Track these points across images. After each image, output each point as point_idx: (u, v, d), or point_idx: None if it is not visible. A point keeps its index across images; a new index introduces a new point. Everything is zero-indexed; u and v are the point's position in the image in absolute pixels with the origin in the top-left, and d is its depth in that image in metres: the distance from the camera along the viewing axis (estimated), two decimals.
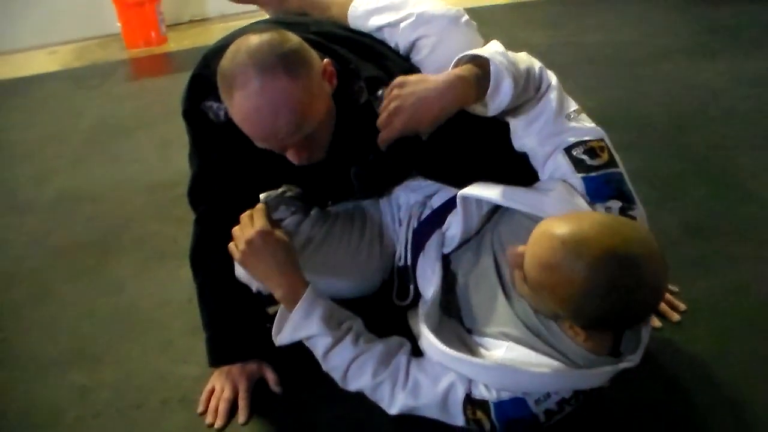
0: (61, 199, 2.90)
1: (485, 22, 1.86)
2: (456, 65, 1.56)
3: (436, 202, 1.84)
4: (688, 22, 4.30)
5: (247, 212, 1.61)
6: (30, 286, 2.33)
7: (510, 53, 1.58)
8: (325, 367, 1.60)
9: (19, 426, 1.78)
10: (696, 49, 3.85)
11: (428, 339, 1.51)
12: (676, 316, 1.86)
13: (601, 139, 1.59)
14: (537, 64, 1.62)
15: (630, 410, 1.64)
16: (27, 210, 2.84)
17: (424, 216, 1.82)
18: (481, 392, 1.44)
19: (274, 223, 1.63)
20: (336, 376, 1.59)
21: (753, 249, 2.13)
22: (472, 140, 1.68)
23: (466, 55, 1.55)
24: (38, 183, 3.06)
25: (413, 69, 1.75)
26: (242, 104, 1.43)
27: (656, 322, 1.84)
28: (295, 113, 1.43)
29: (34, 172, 3.17)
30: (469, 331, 1.57)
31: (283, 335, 1.59)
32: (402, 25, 1.79)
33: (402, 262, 1.82)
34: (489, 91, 1.50)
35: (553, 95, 1.60)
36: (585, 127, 1.60)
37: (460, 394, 1.46)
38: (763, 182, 2.50)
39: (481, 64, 1.52)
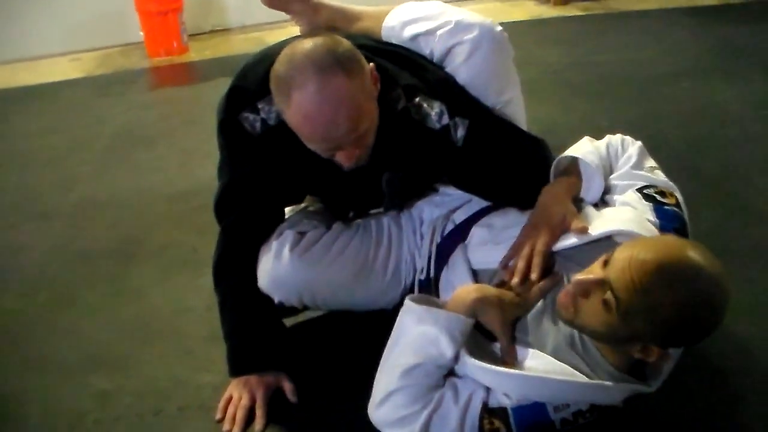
0: (84, 206, 2.93)
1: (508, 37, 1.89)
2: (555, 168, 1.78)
3: (459, 217, 1.88)
4: (705, 42, 4.30)
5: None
6: (52, 291, 2.37)
7: (595, 142, 1.81)
8: (401, 362, 1.52)
9: (40, 429, 1.82)
10: (713, 70, 3.86)
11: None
12: None
13: (669, 188, 1.70)
14: (618, 137, 1.81)
15: (639, 427, 1.66)
16: (49, 216, 2.87)
17: (447, 231, 1.86)
18: (499, 400, 1.47)
19: None
20: (397, 382, 1.51)
21: (766, 271, 2.15)
22: (506, 154, 1.72)
23: (565, 158, 1.75)
24: (61, 190, 3.09)
25: (448, 77, 1.80)
26: (301, 104, 1.46)
27: None
28: (353, 111, 1.47)
29: (56, 179, 3.20)
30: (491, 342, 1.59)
31: (437, 313, 1.53)
32: (439, 32, 1.83)
33: (424, 276, 1.85)
34: (583, 189, 1.71)
35: (633, 151, 1.77)
36: (659, 178, 1.72)
37: (477, 405, 1.47)
38: None
39: (573, 164, 1.73)
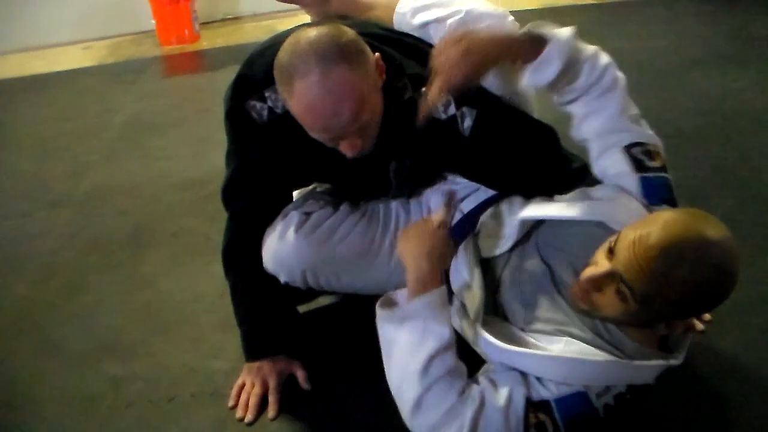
0: (95, 193, 2.95)
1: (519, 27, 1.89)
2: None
3: (467, 206, 1.87)
4: (719, 31, 4.28)
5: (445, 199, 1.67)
6: (65, 279, 2.38)
7: (579, 43, 1.64)
8: (412, 369, 1.46)
9: (54, 415, 1.83)
10: (726, 58, 3.84)
11: (486, 338, 1.52)
12: (700, 326, 1.88)
13: (656, 145, 1.64)
14: (603, 60, 1.65)
15: (652, 417, 1.66)
16: (61, 204, 2.89)
17: (455, 221, 1.85)
18: (540, 393, 1.45)
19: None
20: (420, 386, 1.45)
21: None
22: (516, 141, 1.71)
23: (531, 30, 1.61)
24: (72, 177, 3.11)
25: None
26: (304, 93, 1.45)
27: (699, 325, 1.87)
28: (356, 101, 1.46)
29: (68, 167, 3.22)
30: (521, 330, 1.57)
31: (410, 307, 1.51)
32: (450, 21, 1.82)
33: None
34: (534, 63, 1.58)
35: (618, 94, 1.65)
36: (644, 131, 1.65)
37: (520, 400, 1.44)
38: None
39: (542, 39, 1.58)
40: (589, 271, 1.38)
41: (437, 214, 1.61)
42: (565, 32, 1.60)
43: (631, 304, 1.33)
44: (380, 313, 1.54)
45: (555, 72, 1.57)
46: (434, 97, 1.55)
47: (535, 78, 1.59)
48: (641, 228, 1.33)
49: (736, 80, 3.54)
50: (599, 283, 1.36)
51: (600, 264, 1.37)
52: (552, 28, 1.61)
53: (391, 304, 1.56)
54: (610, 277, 1.34)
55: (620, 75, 1.67)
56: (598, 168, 1.67)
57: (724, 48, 4.01)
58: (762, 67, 3.68)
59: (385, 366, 1.54)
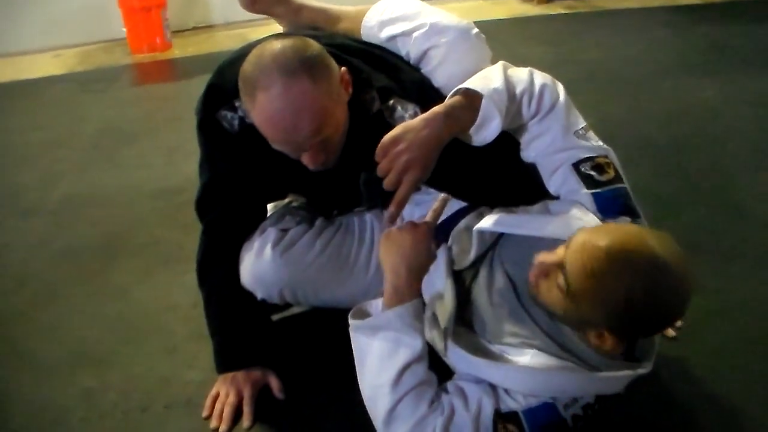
0: (67, 203, 2.92)
1: (486, 37, 1.90)
2: (452, 96, 1.59)
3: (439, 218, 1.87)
4: (688, 40, 4.34)
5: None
6: (36, 289, 2.35)
7: (512, 72, 1.63)
8: (384, 380, 1.47)
9: (25, 427, 1.80)
10: (696, 68, 3.89)
11: (456, 350, 1.52)
12: (671, 332, 1.90)
13: (606, 156, 1.63)
14: (538, 84, 1.63)
15: (625, 425, 1.68)
16: (32, 214, 2.85)
17: None
18: (508, 405, 1.45)
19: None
20: (392, 397, 1.46)
21: (749, 268, 2.17)
22: (481, 153, 1.71)
23: (462, 88, 1.58)
24: (43, 187, 3.07)
25: (424, 79, 1.79)
26: (265, 106, 1.46)
27: (671, 332, 1.89)
28: (316, 116, 1.47)
29: (38, 176, 3.18)
30: (488, 342, 1.57)
31: (383, 317, 1.51)
32: (415, 34, 1.83)
33: None
34: (475, 125, 1.54)
35: (559, 113, 1.63)
36: (592, 144, 1.64)
37: (488, 411, 1.45)
38: (761, 202, 2.54)
39: (473, 97, 1.55)
40: (542, 257, 1.42)
41: (425, 219, 1.60)
42: (496, 77, 1.59)
43: (565, 298, 1.36)
44: (353, 322, 1.55)
45: (497, 127, 1.55)
46: (394, 215, 1.54)
47: (481, 138, 1.57)
48: (597, 231, 1.38)
49: (706, 89, 3.59)
50: (547, 270, 1.40)
51: (556, 254, 1.40)
52: (481, 77, 1.60)
53: (363, 314, 1.56)
54: (557, 266, 1.37)
55: (560, 91, 1.66)
56: (552, 188, 1.67)
57: (695, 57, 4.06)
58: (732, 76, 3.73)
59: (357, 374, 1.55)
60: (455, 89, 1.59)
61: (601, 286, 1.32)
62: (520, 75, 1.64)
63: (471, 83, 1.58)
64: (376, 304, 1.56)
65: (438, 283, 1.70)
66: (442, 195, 1.62)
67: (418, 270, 1.55)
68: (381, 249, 1.59)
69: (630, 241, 1.33)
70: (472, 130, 1.55)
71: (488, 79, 1.59)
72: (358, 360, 1.55)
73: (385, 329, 1.50)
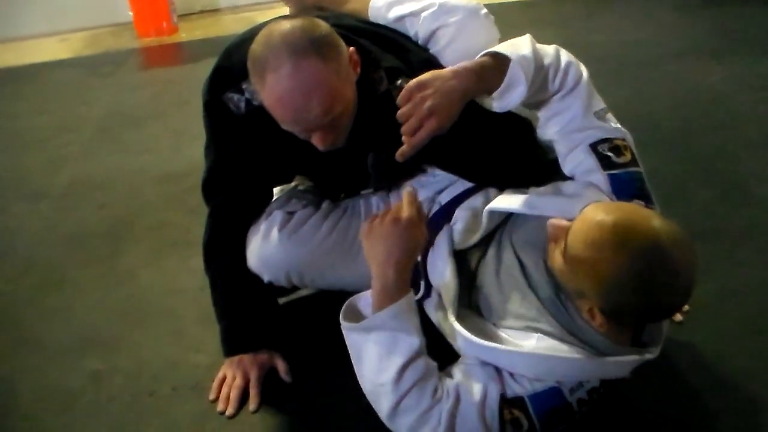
0: (73, 187, 2.93)
1: (494, 19, 1.89)
2: (481, 57, 1.58)
3: (444, 198, 1.87)
4: (696, 24, 4.30)
5: (406, 194, 1.57)
6: (44, 273, 2.37)
7: (539, 47, 1.61)
8: (384, 379, 1.46)
9: (34, 409, 1.82)
10: (703, 51, 3.86)
11: (462, 333, 1.52)
12: (678, 317, 1.89)
13: (624, 139, 1.64)
14: (564, 61, 1.63)
15: (630, 410, 1.67)
16: (39, 198, 2.87)
17: (432, 212, 1.85)
18: (514, 390, 1.46)
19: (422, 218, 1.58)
20: (395, 394, 1.46)
21: (756, 253, 2.16)
22: (491, 133, 1.71)
23: (491, 51, 1.57)
24: (50, 171, 3.09)
25: (432, 60, 1.78)
26: (275, 86, 1.45)
27: (678, 316, 1.88)
28: (326, 95, 1.46)
29: (45, 160, 3.20)
30: (494, 325, 1.58)
31: (377, 319, 1.48)
32: (424, 14, 1.81)
33: None
34: (500, 89, 1.53)
35: (582, 92, 1.63)
36: (611, 126, 1.64)
37: (494, 396, 1.45)
38: None
39: (502, 60, 1.55)
40: (556, 221, 1.44)
41: (403, 212, 1.52)
42: (524, 46, 1.58)
43: (564, 264, 1.39)
44: (345, 324, 1.53)
45: (522, 94, 1.53)
46: (406, 153, 1.50)
47: (504, 103, 1.56)
48: (607, 206, 1.40)
49: (713, 73, 3.56)
50: (557, 234, 1.42)
51: (568, 221, 1.42)
52: (510, 44, 1.58)
53: (355, 313, 1.55)
54: (564, 231, 1.40)
55: (583, 71, 1.65)
56: (567, 167, 1.67)
57: (702, 41, 4.03)
58: (739, 60, 3.70)
59: (355, 369, 1.54)
60: (483, 52, 1.58)
61: (595, 258, 1.33)
62: (547, 50, 1.64)
63: (500, 48, 1.57)
64: (367, 300, 1.54)
65: (440, 263, 1.71)
66: (407, 192, 1.58)
67: (405, 264, 1.51)
68: (365, 246, 1.55)
69: (635, 221, 1.34)
70: (495, 94, 1.55)
71: (517, 47, 1.58)
72: (354, 357, 1.54)
73: (379, 330, 1.49)
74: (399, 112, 1.48)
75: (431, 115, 1.47)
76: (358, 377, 1.54)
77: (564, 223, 1.42)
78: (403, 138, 1.49)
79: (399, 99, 1.49)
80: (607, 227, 1.33)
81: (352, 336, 1.53)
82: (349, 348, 1.54)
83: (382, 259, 1.50)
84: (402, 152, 1.50)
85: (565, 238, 1.39)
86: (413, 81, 1.49)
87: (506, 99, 1.55)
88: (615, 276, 1.31)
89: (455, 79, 1.50)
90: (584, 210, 1.39)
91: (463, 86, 1.50)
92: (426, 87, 1.48)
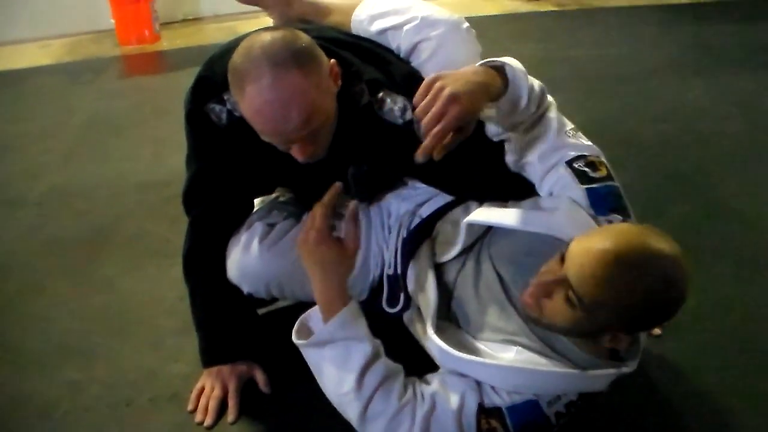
0: (53, 194, 2.90)
1: (476, 33, 1.90)
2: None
3: (425, 211, 1.87)
4: (676, 40, 4.35)
5: (318, 205, 1.58)
6: (21, 280, 2.35)
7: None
8: (346, 389, 1.49)
9: (10, 419, 1.80)
10: (683, 67, 3.90)
11: (439, 345, 1.53)
12: (657, 331, 1.91)
13: (598, 156, 1.64)
14: (536, 82, 1.64)
15: (607, 423, 1.69)
16: (17, 205, 2.84)
17: (413, 225, 1.86)
18: (492, 400, 1.46)
19: (331, 229, 1.59)
20: (359, 401, 1.49)
21: (734, 268, 2.18)
22: (472, 147, 1.71)
23: (487, 61, 1.57)
24: (29, 178, 3.05)
25: (414, 73, 1.78)
26: (254, 98, 1.45)
27: (656, 330, 1.90)
28: (306, 107, 1.45)
29: (24, 167, 3.17)
30: (473, 338, 1.58)
31: (325, 332, 1.52)
32: (406, 27, 1.82)
33: (392, 270, 1.84)
34: (506, 95, 1.53)
35: (553, 114, 1.65)
36: (583, 143, 1.65)
37: (472, 405, 1.46)
38: (746, 201, 2.56)
39: (498, 69, 1.54)
40: (541, 277, 1.39)
41: (312, 224, 1.56)
42: (511, 60, 1.57)
43: (579, 311, 1.33)
44: (298, 343, 1.56)
45: (524, 102, 1.54)
46: (429, 149, 1.44)
47: (507, 109, 1.55)
48: (594, 237, 1.35)
49: (692, 88, 3.60)
50: (550, 289, 1.37)
51: (552, 270, 1.37)
52: (495, 59, 1.57)
53: (305, 330, 1.57)
54: (560, 283, 1.35)
55: (548, 96, 1.67)
56: (544, 188, 1.66)
57: (682, 56, 4.07)
58: (719, 75, 3.74)
59: (319, 384, 1.57)
60: (478, 63, 1.56)
61: (617, 292, 1.29)
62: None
63: (491, 60, 1.56)
64: (316, 316, 1.57)
65: (421, 277, 1.71)
66: (323, 201, 1.60)
67: (330, 278, 1.55)
68: (303, 257, 1.58)
69: (633, 241, 1.32)
70: (503, 103, 1.53)
71: (511, 60, 1.57)
72: (315, 373, 1.57)
73: (331, 342, 1.52)
74: (417, 109, 1.44)
75: (454, 101, 1.40)
76: (324, 392, 1.56)
77: (550, 276, 1.37)
78: (423, 134, 1.43)
79: (416, 95, 1.45)
80: (611, 259, 1.29)
81: (307, 352, 1.56)
82: (308, 363, 1.57)
83: (311, 273, 1.56)
84: (425, 148, 1.42)
85: (567, 289, 1.34)
86: (429, 76, 1.46)
87: (509, 105, 1.55)
88: (640, 299, 1.30)
89: (473, 73, 1.49)
90: (572, 253, 1.34)
91: (482, 79, 1.49)
92: (443, 77, 1.45)
